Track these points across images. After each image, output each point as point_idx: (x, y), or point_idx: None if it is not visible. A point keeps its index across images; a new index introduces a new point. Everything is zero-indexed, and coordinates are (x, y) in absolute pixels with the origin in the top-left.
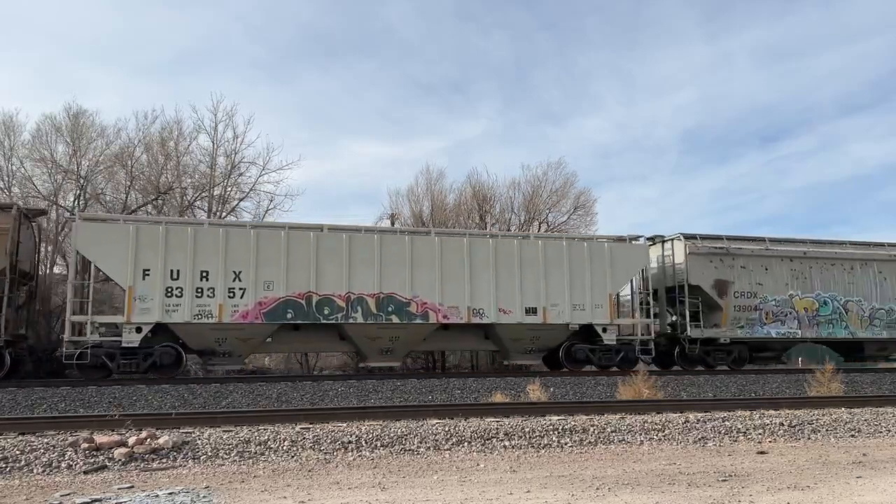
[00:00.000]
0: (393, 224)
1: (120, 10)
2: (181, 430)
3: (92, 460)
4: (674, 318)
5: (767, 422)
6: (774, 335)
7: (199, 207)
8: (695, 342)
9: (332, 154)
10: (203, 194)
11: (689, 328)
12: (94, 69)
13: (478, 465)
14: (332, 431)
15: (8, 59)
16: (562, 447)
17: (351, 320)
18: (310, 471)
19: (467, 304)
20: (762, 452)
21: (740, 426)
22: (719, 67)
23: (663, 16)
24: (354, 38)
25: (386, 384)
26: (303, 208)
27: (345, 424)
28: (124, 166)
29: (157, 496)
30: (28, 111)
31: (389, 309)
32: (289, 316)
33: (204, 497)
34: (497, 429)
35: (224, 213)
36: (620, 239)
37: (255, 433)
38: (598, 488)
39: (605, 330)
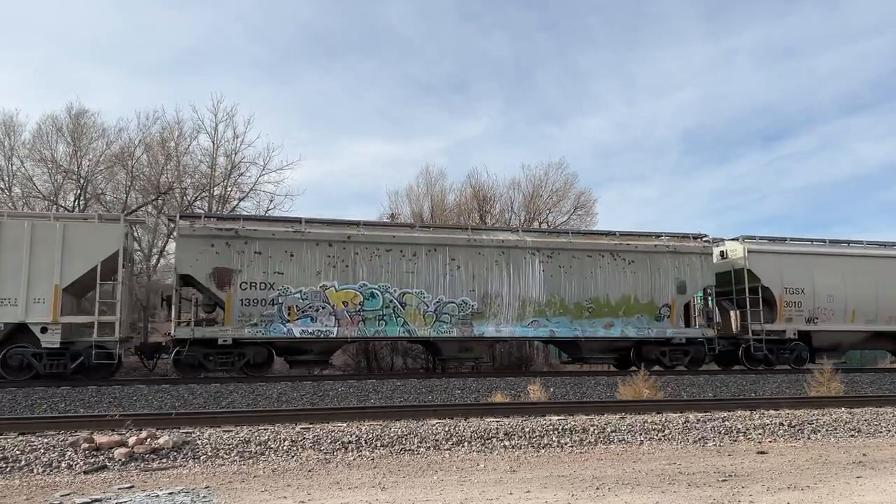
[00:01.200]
0: None
1: (120, 10)
2: (181, 430)
3: (92, 460)
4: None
5: (767, 422)
6: (299, 334)
7: (199, 207)
8: (184, 343)
9: (332, 154)
10: (203, 194)
11: (173, 329)
12: (94, 69)
13: (478, 465)
14: (332, 431)
15: (8, 59)
16: (562, 447)
17: None
18: (310, 471)
19: None
20: (762, 452)
21: (740, 426)
22: (720, 67)
23: (664, 15)
24: (354, 38)
25: (386, 384)
26: (303, 208)
27: (345, 424)
28: (125, 166)
29: (158, 496)
30: (28, 111)
31: None
32: None
33: (204, 497)
34: (497, 429)
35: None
36: (88, 218)
37: (255, 433)
38: (598, 488)
39: (44, 330)
